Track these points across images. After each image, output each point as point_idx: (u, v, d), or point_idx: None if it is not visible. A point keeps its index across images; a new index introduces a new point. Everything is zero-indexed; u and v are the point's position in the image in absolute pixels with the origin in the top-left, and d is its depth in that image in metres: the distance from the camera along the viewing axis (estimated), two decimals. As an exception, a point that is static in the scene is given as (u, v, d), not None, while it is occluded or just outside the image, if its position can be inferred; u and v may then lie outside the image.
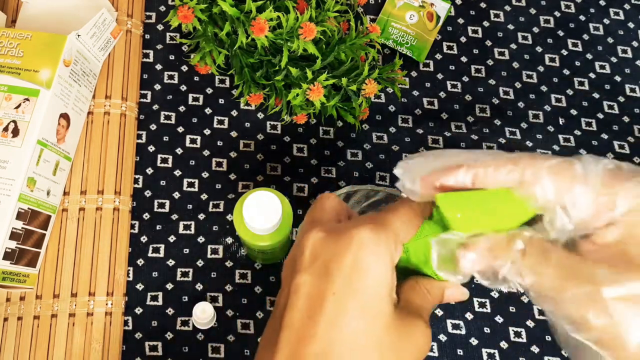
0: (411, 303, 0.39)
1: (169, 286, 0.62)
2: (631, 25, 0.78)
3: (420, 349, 0.37)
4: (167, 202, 0.65)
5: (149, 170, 0.66)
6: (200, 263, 0.63)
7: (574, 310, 0.32)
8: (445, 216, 0.35)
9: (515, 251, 0.34)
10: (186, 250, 0.64)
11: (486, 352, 0.62)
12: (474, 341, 0.63)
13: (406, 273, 0.41)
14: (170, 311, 0.62)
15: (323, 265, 0.37)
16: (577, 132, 0.72)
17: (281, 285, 0.41)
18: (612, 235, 0.33)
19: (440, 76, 0.73)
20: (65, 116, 0.61)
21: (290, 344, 0.35)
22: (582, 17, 0.78)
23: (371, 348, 0.35)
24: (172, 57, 0.71)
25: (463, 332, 0.63)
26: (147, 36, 0.72)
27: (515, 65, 0.74)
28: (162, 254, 0.63)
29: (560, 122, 0.72)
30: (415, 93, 0.72)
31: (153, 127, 0.68)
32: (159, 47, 0.71)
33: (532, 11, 0.77)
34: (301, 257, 0.38)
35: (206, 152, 0.67)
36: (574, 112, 0.73)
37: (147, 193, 0.65)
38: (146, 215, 0.65)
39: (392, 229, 0.38)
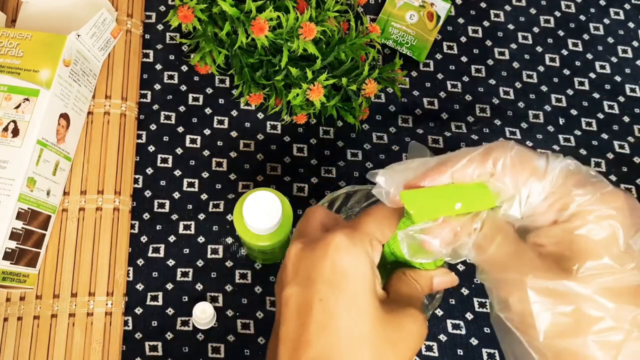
0: (400, 294, 0.40)
1: (169, 286, 0.62)
2: (631, 25, 0.78)
3: (414, 337, 0.38)
4: (167, 202, 0.65)
5: (149, 170, 0.66)
6: (200, 263, 0.63)
7: (502, 291, 0.36)
8: (407, 211, 0.37)
9: (473, 229, 0.38)
10: (186, 250, 0.64)
11: (486, 352, 0.62)
12: (474, 341, 0.63)
13: (398, 267, 0.42)
14: (170, 311, 0.62)
15: (305, 274, 0.38)
16: (577, 132, 0.72)
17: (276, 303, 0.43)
18: (552, 234, 0.36)
19: (440, 76, 0.73)
20: (65, 116, 0.61)
21: (288, 355, 0.37)
22: (582, 17, 0.77)
23: (364, 343, 0.36)
24: (172, 57, 0.71)
25: (463, 332, 0.63)
26: (147, 36, 0.71)
27: (516, 65, 0.74)
28: (162, 254, 0.63)
29: (561, 122, 0.72)
30: (416, 93, 0.72)
31: (153, 127, 0.68)
32: (159, 47, 0.71)
33: (533, 11, 0.77)
34: (285, 271, 0.40)
35: (206, 152, 0.67)
36: (574, 112, 0.73)
37: (147, 193, 0.65)
38: (146, 215, 0.65)
39: (365, 229, 0.39)
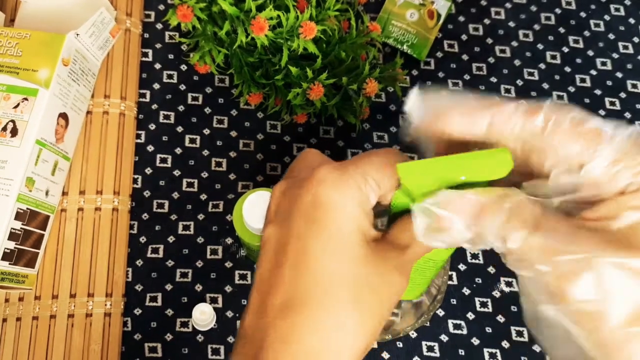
0: (398, 239, 0.36)
1: (168, 287, 0.62)
2: (632, 21, 0.77)
3: (396, 288, 0.35)
4: (167, 202, 0.65)
5: (148, 170, 0.66)
6: (199, 264, 0.63)
7: (556, 279, 0.29)
8: (405, 186, 0.33)
9: (502, 213, 0.31)
10: (185, 251, 0.63)
11: (488, 351, 0.62)
12: (475, 341, 0.62)
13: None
14: (169, 312, 0.61)
15: (285, 212, 0.35)
16: (579, 130, 0.71)
17: None
18: (618, 207, 0.30)
19: (441, 74, 0.73)
20: (64, 116, 0.61)
21: (259, 298, 0.34)
22: (582, 14, 0.77)
23: (340, 284, 0.33)
24: (171, 57, 0.70)
25: (464, 332, 0.63)
26: (146, 35, 0.71)
27: (517, 62, 0.74)
28: (161, 255, 0.63)
29: (562, 120, 0.72)
30: (416, 91, 0.72)
31: (152, 126, 0.68)
32: (158, 46, 0.71)
33: (533, 8, 0.77)
34: (268, 211, 0.37)
35: (205, 152, 0.67)
36: (575, 109, 0.72)
37: (146, 193, 0.65)
38: (145, 216, 0.64)
39: (360, 167, 0.35)
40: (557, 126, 0.30)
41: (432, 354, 0.62)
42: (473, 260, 0.65)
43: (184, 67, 0.70)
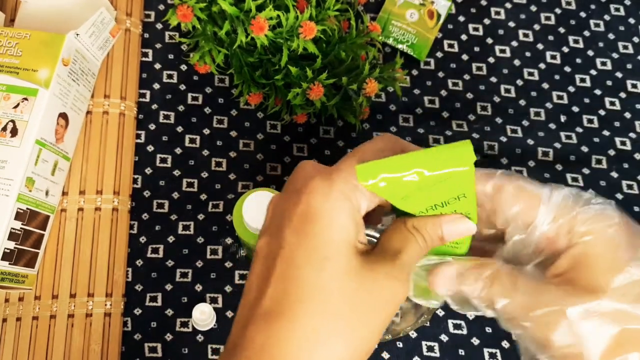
0: (389, 248, 0.36)
1: (168, 287, 0.62)
2: (632, 20, 0.77)
3: (388, 303, 0.34)
4: (166, 203, 0.65)
5: (148, 170, 0.66)
6: (199, 264, 0.63)
7: (539, 331, 0.34)
8: (360, 183, 0.34)
9: (484, 278, 0.36)
10: (185, 251, 0.63)
11: (487, 351, 0.62)
12: (475, 341, 0.62)
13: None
14: (169, 312, 0.61)
15: (278, 223, 0.35)
16: (579, 129, 0.71)
17: None
18: (568, 259, 0.35)
19: (441, 74, 0.73)
20: (64, 116, 0.61)
21: (245, 308, 0.34)
22: (582, 14, 0.77)
23: (323, 296, 0.33)
24: (171, 57, 0.70)
25: (464, 332, 0.63)
26: (146, 35, 0.71)
27: (517, 62, 0.74)
28: (161, 255, 0.63)
29: (562, 120, 0.72)
30: (416, 92, 0.72)
31: (152, 126, 0.68)
32: (158, 46, 0.71)
33: (533, 8, 0.77)
34: (263, 224, 0.38)
35: (205, 152, 0.67)
36: (575, 109, 0.72)
37: (146, 193, 0.65)
38: (145, 216, 0.64)
39: (345, 170, 0.35)
40: (502, 192, 0.36)
41: (432, 354, 0.62)
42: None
43: (184, 67, 0.70)
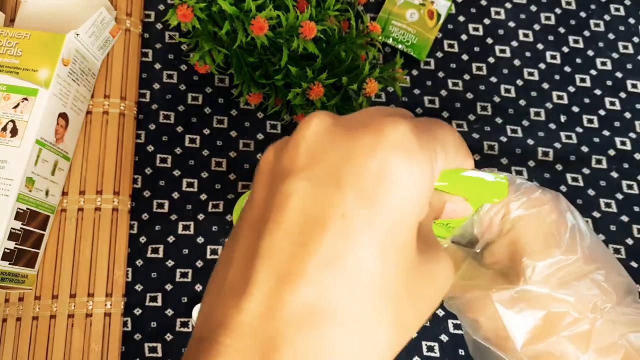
0: (423, 226, 0.28)
1: (168, 287, 0.62)
2: (632, 20, 0.77)
3: (442, 290, 0.28)
4: (166, 203, 0.65)
5: (148, 170, 0.66)
6: (199, 264, 0.63)
7: (470, 313, 0.36)
8: None
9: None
10: (185, 251, 0.63)
11: (488, 351, 0.62)
12: (475, 341, 0.62)
13: None
14: (169, 312, 0.61)
15: (330, 169, 0.25)
16: (579, 129, 0.71)
17: (252, 190, 0.28)
18: (500, 247, 0.36)
19: (441, 74, 0.73)
20: (64, 116, 0.61)
21: (268, 282, 0.24)
22: (582, 14, 0.77)
23: (382, 294, 0.25)
24: (171, 56, 0.70)
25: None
26: (146, 35, 0.71)
27: (517, 62, 0.74)
28: (161, 255, 0.63)
29: (562, 120, 0.72)
30: (416, 92, 0.72)
31: (152, 126, 0.68)
32: (158, 46, 0.71)
33: (533, 8, 0.77)
34: (294, 152, 0.27)
35: (205, 152, 0.67)
36: (575, 109, 0.72)
37: (146, 193, 0.65)
38: (145, 216, 0.64)
39: (434, 135, 0.27)
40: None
41: (432, 354, 0.62)
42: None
43: (184, 67, 0.70)
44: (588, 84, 0.74)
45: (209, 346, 0.24)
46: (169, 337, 0.61)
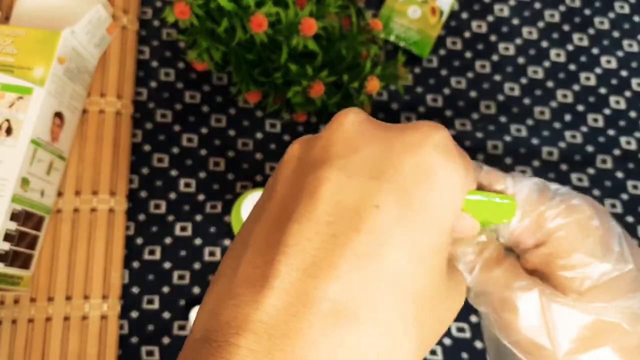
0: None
1: (165, 289, 0.61)
2: (636, 18, 0.76)
3: (456, 311, 0.28)
4: (163, 203, 0.64)
5: (145, 170, 0.65)
6: (197, 266, 0.62)
7: (507, 311, 0.32)
8: None
9: (477, 242, 0.33)
10: (183, 253, 0.62)
11: (491, 355, 0.61)
12: (478, 344, 0.61)
13: None
14: (166, 315, 0.60)
15: (367, 160, 0.24)
16: (584, 129, 0.70)
17: (267, 191, 0.27)
18: (538, 256, 0.33)
19: (444, 72, 0.72)
20: (59, 115, 0.60)
21: (292, 274, 0.22)
22: (587, 12, 0.76)
23: (409, 296, 0.23)
24: (168, 54, 0.69)
25: (468, 335, 0.62)
26: (143, 32, 0.70)
27: (521, 60, 0.73)
28: (158, 257, 0.62)
29: (567, 119, 0.70)
30: (419, 90, 0.71)
31: (149, 125, 0.67)
32: (155, 43, 0.70)
33: (537, 5, 0.76)
34: (327, 141, 0.25)
35: (203, 152, 0.66)
36: (580, 108, 0.71)
37: (143, 194, 0.64)
38: (142, 217, 0.63)
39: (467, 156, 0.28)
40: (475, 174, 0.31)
41: (435, 357, 0.61)
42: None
43: (181, 65, 0.69)
44: (593, 82, 0.73)
45: (218, 348, 0.21)
46: (166, 340, 0.60)
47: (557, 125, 0.70)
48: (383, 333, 0.23)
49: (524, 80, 0.72)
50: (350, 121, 0.26)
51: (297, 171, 0.26)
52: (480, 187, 0.33)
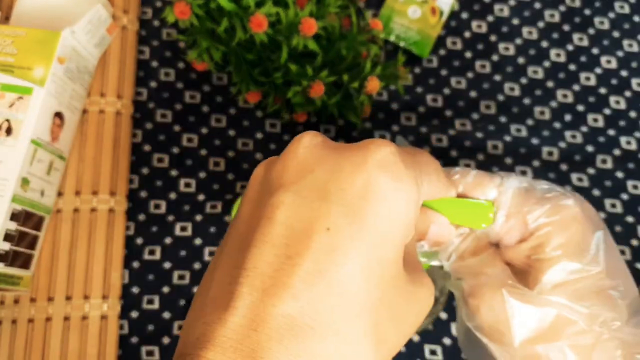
0: (412, 251, 0.31)
1: (166, 289, 0.61)
2: (636, 18, 0.76)
3: (423, 313, 0.29)
4: (164, 203, 0.64)
5: (145, 170, 0.65)
6: (197, 266, 0.62)
7: (475, 298, 0.34)
8: None
9: (460, 233, 0.36)
10: (183, 253, 0.62)
11: (491, 355, 0.61)
12: (479, 344, 0.61)
13: None
14: (166, 315, 0.60)
15: (318, 183, 0.26)
16: (584, 129, 0.70)
17: (239, 207, 0.29)
18: (519, 253, 0.35)
19: (444, 72, 0.72)
20: (59, 115, 0.60)
21: (252, 294, 0.24)
22: (587, 11, 0.76)
23: (364, 308, 0.25)
24: (168, 54, 0.69)
25: (468, 335, 0.62)
26: (143, 32, 0.70)
27: (521, 60, 0.73)
28: (158, 257, 0.62)
29: (567, 119, 0.70)
30: (419, 90, 0.71)
31: (149, 125, 0.66)
32: (155, 43, 0.70)
33: (537, 5, 0.76)
34: (283, 166, 0.27)
35: (203, 152, 0.66)
36: (580, 108, 0.71)
37: (143, 194, 0.64)
38: (142, 217, 0.63)
39: (416, 159, 0.29)
40: (465, 190, 0.35)
41: (435, 358, 0.61)
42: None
43: (181, 65, 0.69)
44: (593, 82, 0.73)
45: None
46: (166, 340, 0.60)
47: (557, 125, 0.70)
48: (340, 343, 0.25)
49: (524, 80, 0.72)
50: (304, 145, 0.28)
51: (259, 192, 0.28)
52: (466, 192, 0.36)
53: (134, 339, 0.59)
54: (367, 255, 0.25)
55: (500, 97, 0.71)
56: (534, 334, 0.33)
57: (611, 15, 0.76)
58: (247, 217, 0.27)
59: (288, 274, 0.24)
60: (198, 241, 0.63)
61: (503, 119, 0.70)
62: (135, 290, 0.61)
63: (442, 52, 0.73)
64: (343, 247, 0.25)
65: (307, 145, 0.28)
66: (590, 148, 0.69)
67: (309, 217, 0.25)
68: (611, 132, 0.70)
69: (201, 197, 0.64)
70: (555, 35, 0.74)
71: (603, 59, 0.74)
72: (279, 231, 0.25)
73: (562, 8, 0.76)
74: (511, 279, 0.35)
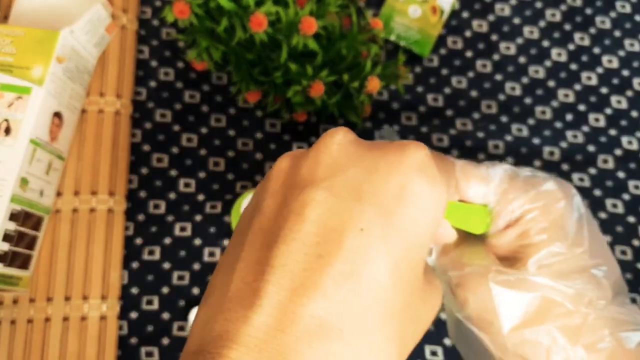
0: None
1: (165, 290, 0.61)
2: (638, 18, 0.76)
3: (434, 313, 0.29)
4: (163, 203, 0.64)
5: (144, 170, 0.65)
6: (197, 266, 0.62)
7: (463, 289, 0.35)
8: None
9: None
10: (182, 253, 0.62)
11: (492, 356, 0.61)
12: (479, 345, 0.61)
13: None
14: (166, 316, 0.60)
15: (351, 181, 0.25)
16: (585, 129, 0.70)
17: (256, 196, 0.28)
18: (505, 238, 0.36)
19: (445, 72, 0.71)
20: (58, 115, 0.60)
21: (280, 293, 0.23)
22: (588, 11, 0.76)
23: (390, 313, 0.25)
24: (167, 54, 0.69)
25: (468, 335, 0.61)
26: (143, 32, 0.70)
27: (522, 60, 0.73)
28: (157, 257, 0.62)
29: (568, 119, 0.70)
30: (419, 89, 0.70)
31: (148, 125, 0.66)
32: (155, 43, 0.70)
33: (538, 5, 0.75)
34: (315, 161, 0.26)
35: (203, 152, 0.66)
36: (582, 107, 0.71)
37: (142, 194, 0.64)
38: (141, 217, 0.63)
39: (446, 165, 0.31)
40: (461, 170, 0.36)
41: (436, 358, 0.61)
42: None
43: (180, 65, 0.69)
44: (594, 82, 0.72)
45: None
46: (165, 341, 0.59)
47: (558, 125, 0.70)
48: (366, 347, 0.24)
49: (525, 80, 0.72)
50: (337, 141, 0.27)
51: (285, 186, 0.27)
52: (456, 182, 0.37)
53: (133, 340, 0.59)
54: (397, 258, 0.25)
55: (501, 97, 0.71)
56: (521, 320, 0.34)
57: (612, 14, 0.76)
58: (272, 211, 0.26)
59: (319, 274, 0.23)
60: (198, 241, 0.63)
61: (504, 119, 0.70)
62: (134, 290, 0.61)
63: (442, 51, 0.72)
64: (375, 249, 0.24)
65: (340, 141, 0.27)
66: (591, 148, 0.69)
67: (342, 217, 0.24)
68: (612, 131, 0.70)
69: (201, 197, 0.64)
70: (556, 35, 0.74)
71: (604, 59, 0.74)
72: (309, 229, 0.24)
73: (563, 7, 0.76)
74: (496, 264, 0.35)
